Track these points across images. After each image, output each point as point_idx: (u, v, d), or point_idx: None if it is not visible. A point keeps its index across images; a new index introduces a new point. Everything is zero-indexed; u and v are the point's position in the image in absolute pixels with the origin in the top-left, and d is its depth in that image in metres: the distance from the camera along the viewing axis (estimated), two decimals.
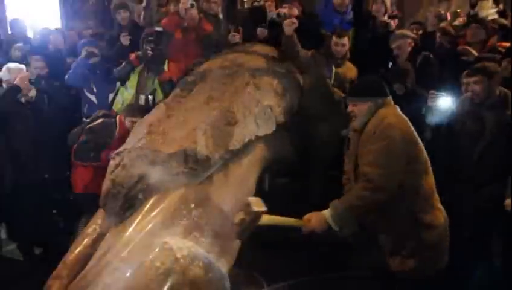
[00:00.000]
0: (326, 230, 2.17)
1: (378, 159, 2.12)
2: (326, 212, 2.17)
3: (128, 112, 3.35)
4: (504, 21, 4.24)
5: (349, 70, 3.63)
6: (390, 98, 2.37)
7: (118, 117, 3.37)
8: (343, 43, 3.54)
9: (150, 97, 3.65)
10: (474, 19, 4.25)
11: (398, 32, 3.85)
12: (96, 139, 3.25)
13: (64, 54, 4.37)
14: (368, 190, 2.10)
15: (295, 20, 3.43)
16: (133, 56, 3.72)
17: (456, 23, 5.07)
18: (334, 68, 3.56)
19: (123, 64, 3.76)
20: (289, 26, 3.39)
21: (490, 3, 4.89)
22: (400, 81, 3.28)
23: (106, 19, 5.40)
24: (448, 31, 4.02)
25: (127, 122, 3.27)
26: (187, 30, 3.94)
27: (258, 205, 2.10)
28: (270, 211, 2.17)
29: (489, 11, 4.70)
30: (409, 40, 3.63)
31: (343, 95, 3.52)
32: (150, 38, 3.72)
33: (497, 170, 2.78)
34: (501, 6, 4.49)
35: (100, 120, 3.33)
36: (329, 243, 3.40)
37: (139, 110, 3.34)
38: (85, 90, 3.78)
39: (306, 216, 2.22)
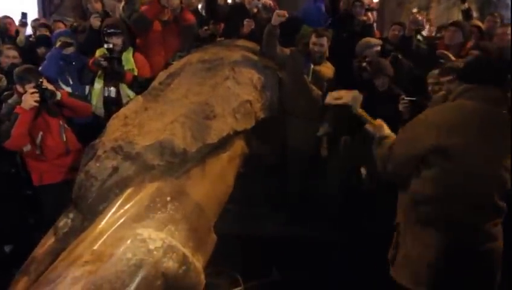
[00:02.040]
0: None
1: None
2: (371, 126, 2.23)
3: (18, 80, 3.02)
4: (480, 23, 4.32)
5: (327, 69, 3.63)
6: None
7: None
8: (321, 43, 3.53)
9: (113, 89, 3.50)
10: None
11: (363, 41, 3.87)
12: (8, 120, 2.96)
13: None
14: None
15: (286, 14, 3.41)
16: (90, 62, 3.57)
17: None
18: (312, 66, 3.55)
19: (84, 71, 3.63)
20: (278, 17, 3.37)
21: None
22: (382, 75, 3.32)
23: (85, 16, 5.31)
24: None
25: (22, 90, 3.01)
26: (167, 23, 3.88)
27: None
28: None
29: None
30: (375, 48, 3.68)
31: (320, 92, 3.53)
32: (109, 31, 3.54)
33: None
34: (466, 4, 4.53)
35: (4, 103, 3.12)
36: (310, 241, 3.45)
37: (30, 72, 3.02)
38: (60, 82, 3.66)
39: None
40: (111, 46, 3.47)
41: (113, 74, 3.51)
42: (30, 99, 2.84)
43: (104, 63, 3.45)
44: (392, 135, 2.17)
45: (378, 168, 2.07)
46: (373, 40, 3.84)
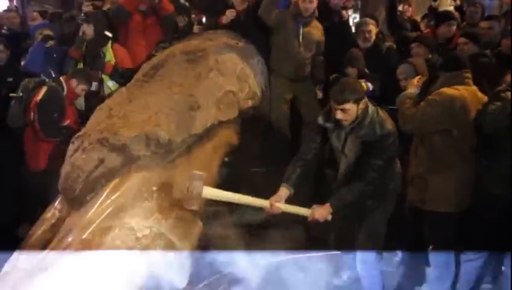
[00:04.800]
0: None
1: None
2: None
3: (81, 79, 3.30)
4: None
5: (317, 30, 3.68)
6: None
7: (65, 81, 3.28)
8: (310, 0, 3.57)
9: (95, 84, 3.55)
10: (434, 13, 4.34)
11: (362, 19, 3.96)
12: (51, 110, 3.16)
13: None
14: None
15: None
16: (71, 50, 3.65)
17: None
18: (301, 27, 3.59)
19: (65, 61, 3.69)
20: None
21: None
22: (352, 65, 3.42)
23: (64, 3, 5.26)
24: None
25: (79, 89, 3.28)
26: (147, 13, 3.88)
27: None
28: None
29: (449, 8, 4.88)
30: (368, 28, 3.72)
31: (307, 57, 3.60)
32: (87, 18, 3.64)
33: None
34: (458, 1, 4.64)
35: (44, 89, 3.20)
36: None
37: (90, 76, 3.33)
38: (42, 75, 3.65)
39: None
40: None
41: (92, 54, 3.56)
42: None
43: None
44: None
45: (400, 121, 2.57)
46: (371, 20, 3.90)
